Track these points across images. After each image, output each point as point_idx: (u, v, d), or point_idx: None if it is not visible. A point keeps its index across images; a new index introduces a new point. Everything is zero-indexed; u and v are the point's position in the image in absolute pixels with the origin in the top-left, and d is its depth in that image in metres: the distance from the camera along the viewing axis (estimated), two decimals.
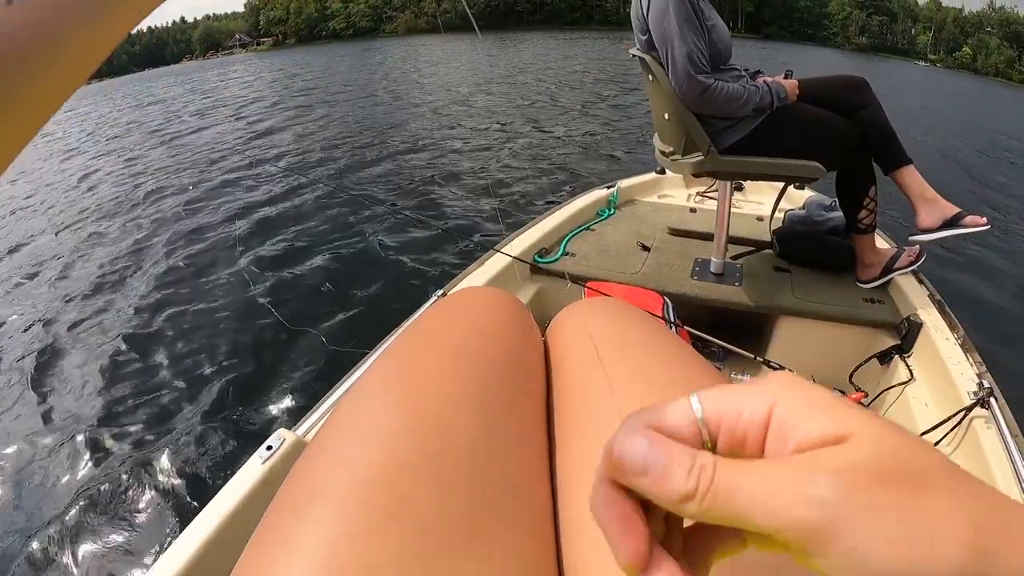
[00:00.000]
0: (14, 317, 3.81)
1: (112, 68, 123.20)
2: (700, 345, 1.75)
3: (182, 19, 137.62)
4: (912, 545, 0.18)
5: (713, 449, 0.24)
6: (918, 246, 1.91)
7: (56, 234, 5.61)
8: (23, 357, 3.25)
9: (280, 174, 6.44)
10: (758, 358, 1.65)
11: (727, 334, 1.70)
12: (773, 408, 0.23)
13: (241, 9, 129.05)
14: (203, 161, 8.04)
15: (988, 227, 1.76)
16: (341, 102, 13.11)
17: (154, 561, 0.86)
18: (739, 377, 1.88)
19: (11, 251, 5.29)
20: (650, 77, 1.95)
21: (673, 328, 1.68)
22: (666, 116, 1.97)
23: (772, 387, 0.24)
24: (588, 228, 2.41)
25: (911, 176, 1.83)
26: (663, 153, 2.08)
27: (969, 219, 1.78)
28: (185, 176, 7.25)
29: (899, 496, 0.19)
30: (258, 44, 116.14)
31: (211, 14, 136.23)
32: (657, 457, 0.23)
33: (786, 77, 1.94)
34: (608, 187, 2.71)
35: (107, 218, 5.91)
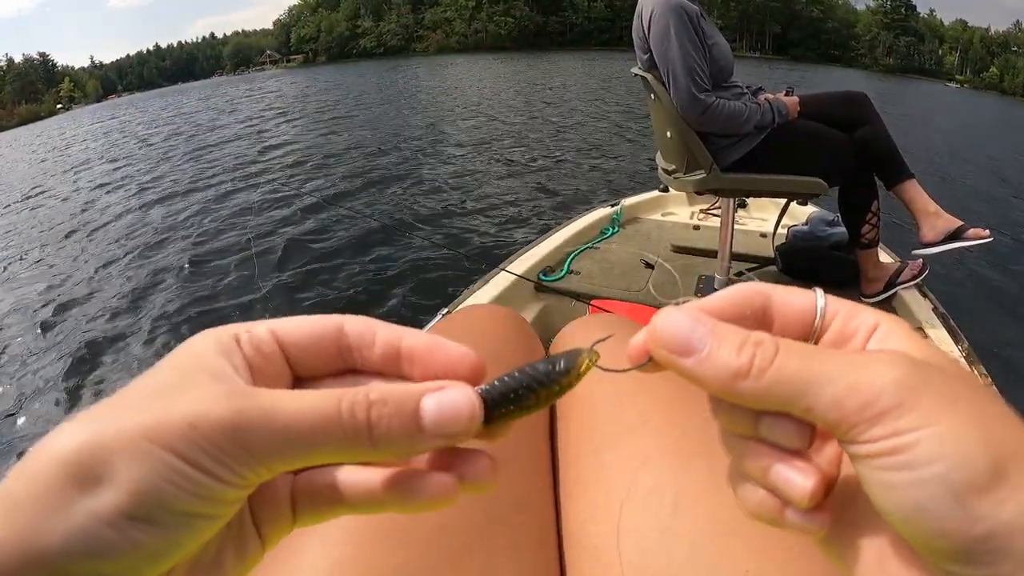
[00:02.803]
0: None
1: (142, 82, 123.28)
2: None
3: (211, 35, 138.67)
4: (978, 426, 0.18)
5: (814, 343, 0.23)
6: (921, 260, 1.93)
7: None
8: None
9: (281, 192, 6.42)
10: None
11: None
12: (879, 324, 0.23)
13: (270, 27, 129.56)
14: (214, 176, 8.05)
15: (991, 239, 1.78)
16: (354, 120, 13.25)
17: None
18: None
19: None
20: (652, 96, 1.96)
21: None
22: (668, 134, 1.98)
23: (884, 313, 0.23)
24: (592, 246, 2.41)
25: (913, 190, 1.85)
26: (666, 171, 2.10)
27: (972, 232, 1.80)
28: (196, 191, 7.29)
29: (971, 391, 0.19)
30: (288, 61, 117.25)
31: (240, 31, 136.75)
32: (703, 333, 0.21)
33: (787, 94, 1.96)
34: (612, 205, 2.73)
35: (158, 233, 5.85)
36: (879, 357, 0.20)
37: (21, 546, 0.16)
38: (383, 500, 0.23)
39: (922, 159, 8.54)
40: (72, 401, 2.95)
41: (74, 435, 0.18)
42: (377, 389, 0.21)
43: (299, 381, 0.25)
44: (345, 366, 0.25)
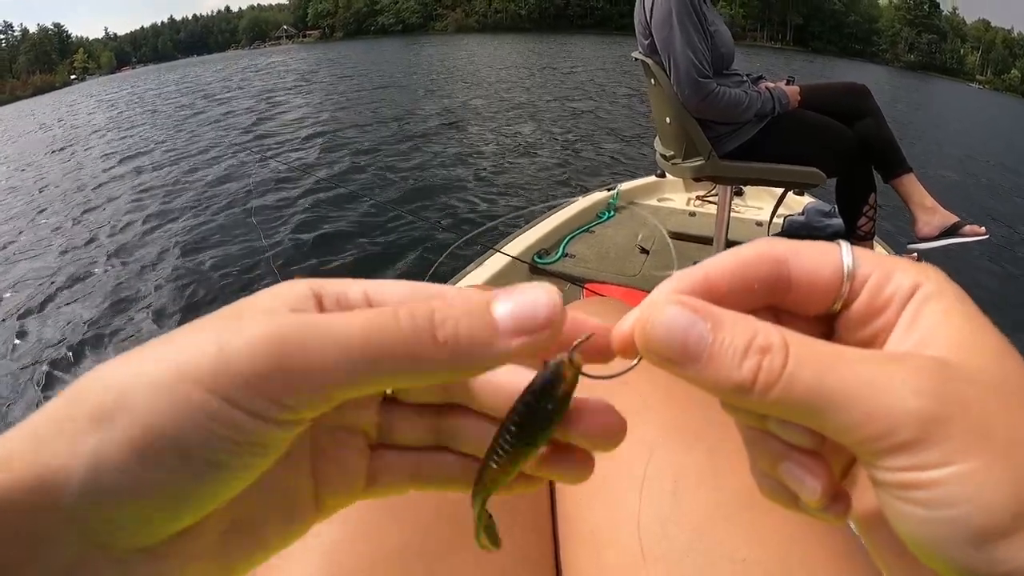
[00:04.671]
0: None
1: (157, 54, 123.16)
2: None
3: (227, 8, 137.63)
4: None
5: (839, 313, 0.21)
6: (916, 254, 1.92)
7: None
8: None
9: (276, 169, 6.42)
10: None
11: None
12: (917, 287, 0.19)
13: (286, 1, 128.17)
14: (211, 153, 8.06)
15: (987, 236, 1.77)
16: (355, 99, 13.14)
17: None
18: None
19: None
20: (652, 81, 1.95)
21: None
22: (668, 120, 1.97)
23: (926, 269, 0.20)
24: (588, 230, 2.41)
25: (911, 184, 1.84)
26: (664, 157, 2.09)
27: (968, 228, 1.79)
28: (197, 170, 7.29)
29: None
30: (304, 36, 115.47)
31: (256, 4, 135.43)
32: (701, 332, 0.18)
33: (788, 83, 1.94)
34: (608, 189, 2.72)
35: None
36: (905, 376, 0.17)
37: (36, 485, 0.15)
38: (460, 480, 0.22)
39: (952, 158, 8.41)
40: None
41: (96, 373, 0.16)
42: (440, 296, 0.19)
43: None
44: None
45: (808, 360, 0.17)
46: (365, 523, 0.40)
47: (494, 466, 0.20)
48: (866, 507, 0.21)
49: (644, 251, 2.25)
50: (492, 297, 0.18)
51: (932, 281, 0.19)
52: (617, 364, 0.21)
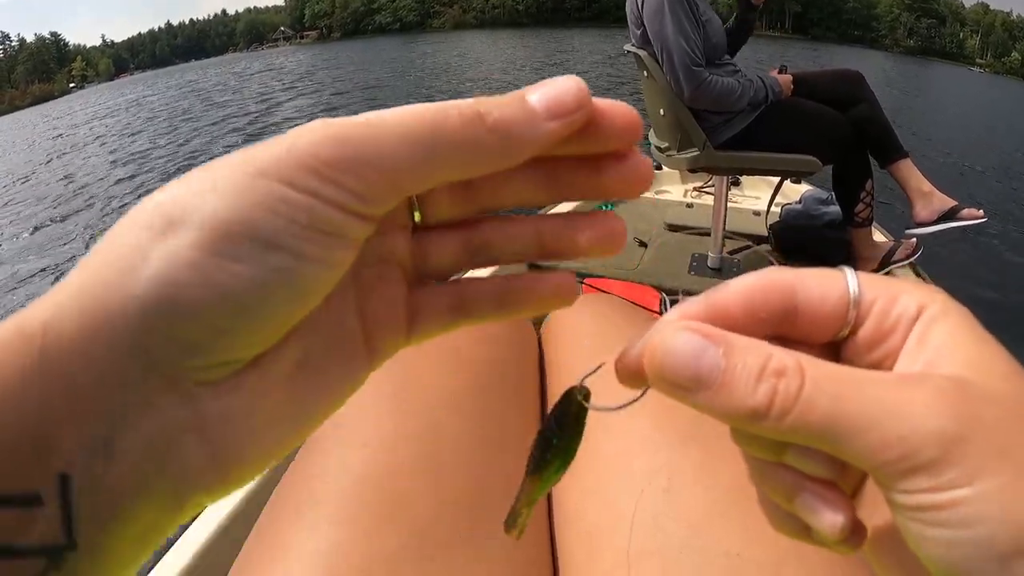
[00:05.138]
0: None
1: (155, 60, 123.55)
2: None
3: (223, 12, 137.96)
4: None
5: (845, 339, 0.21)
6: (915, 239, 1.92)
7: None
8: None
9: None
10: None
11: None
12: (923, 309, 0.19)
13: (282, 3, 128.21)
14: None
15: (985, 220, 1.76)
16: (351, 98, 13.18)
17: (152, 566, 0.86)
18: None
19: None
20: (644, 73, 1.94)
21: None
22: (661, 112, 1.97)
23: (931, 291, 0.20)
24: None
25: (908, 169, 1.83)
26: (659, 149, 2.08)
27: (966, 212, 1.78)
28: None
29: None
30: (302, 37, 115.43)
31: (252, 7, 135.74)
32: (713, 359, 0.18)
33: (780, 72, 1.93)
34: None
35: None
36: (923, 397, 0.17)
37: (95, 305, 0.14)
38: (506, 304, 0.22)
39: (952, 142, 8.35)
40: None
41: (158, 192, 0.16)
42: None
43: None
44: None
45: (825, 383, 0.17)
46: (360, 525, 0.41)
47: (523, 498, 0.23)
48: (874, 528, 0.20)
49: (642, 244, 2.24)
50: (526, 91, 0.18)
51: (937, 302, 0.19)
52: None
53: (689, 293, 1.94)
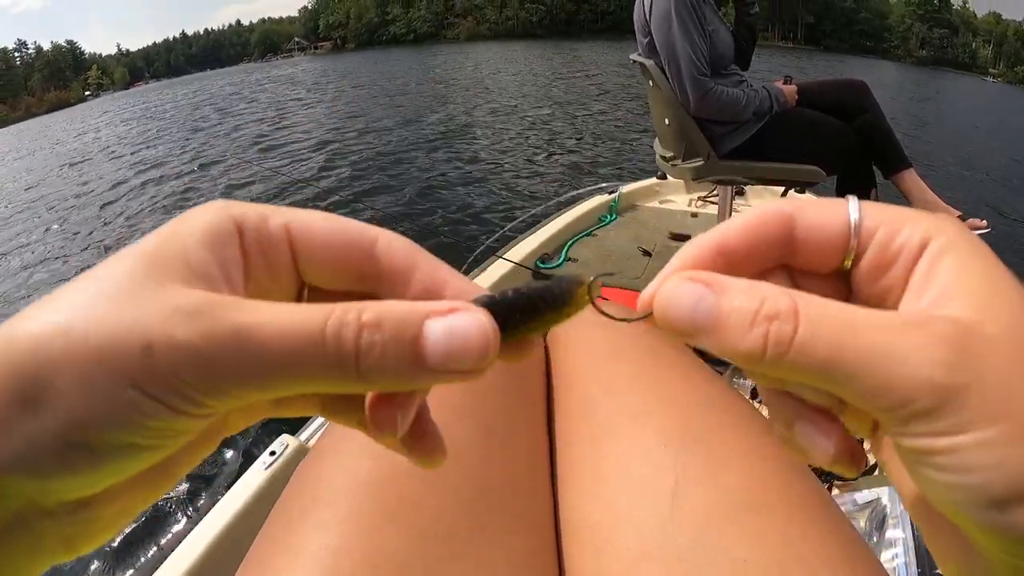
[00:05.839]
0: None
1: (170, 69, 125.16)
2: (701, 350, 1.75)
3: (238, 22, 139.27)
4: None
5: (851, 268, 0.21)
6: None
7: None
8: None
9: (277, 177, 6.50)
10: None
11: None
12: (928, 241, 0.19)
13: (296, 14, 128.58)
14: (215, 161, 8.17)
15: (989, 230, 1.75)
16: (361, 109, 13.27)
17: (157, 566, 0.87)
18: (740, 382, 1.88)
19: None
20: (650, 83, 1.96)
21: None
22: (666, 121, 1.98)
23: (939, 221, 0.19)
24: (590, 234, 2.42)
25: (911, 179, 1.83)
26: (664, 158, 2.09)
27: (969, 222, 1.78)
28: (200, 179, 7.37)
29: None
30: (316, 48, 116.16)
31: (267, 17, 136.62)
32: (709, 306, 0.18)
33: (786, 82, 1.94)
34: (609, 192, 2.72)
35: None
36: (920, 343, 0.16)
37: None
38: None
39: (963, 152, 8.30)
40: None
41: (19, 341, 0.16)
42: (372, 308, 0.18)
43: (305, 290, 0.22)
44: (366, 291, 0.22)
45: (820, 326, 0.17)
46: (366, 528, 0.41)
47: None
48: (894, 465, 0.21)
49: (646, 253, 2.25)
50: (429, 313, 0.18)
51: (945, 234, 0.19)
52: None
53: None
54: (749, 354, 0.18)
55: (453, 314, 0.18)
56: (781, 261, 0.21)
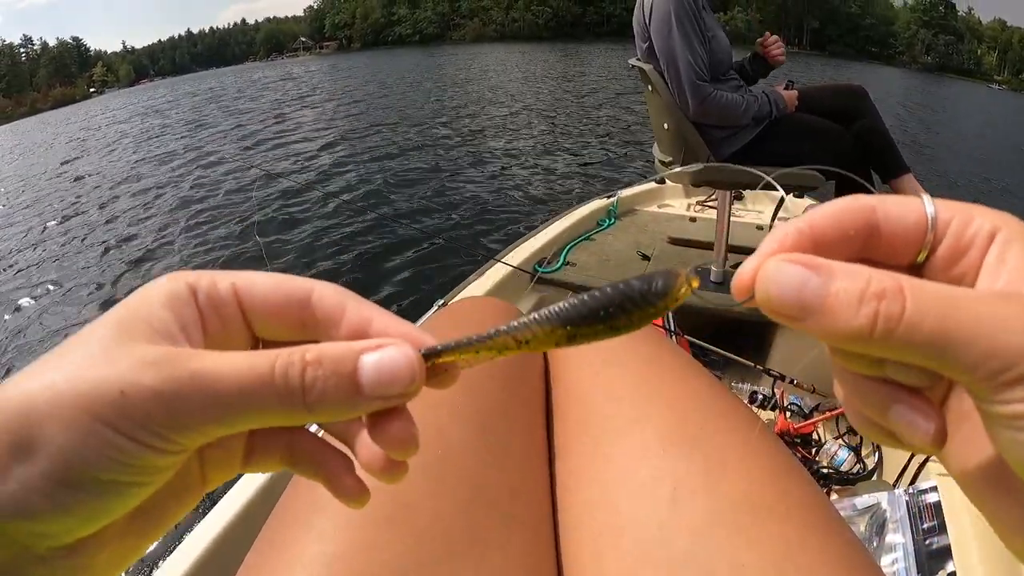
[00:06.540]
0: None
1: (175, 67, 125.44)
2: (700, 354, 1.74)
3: (243, 21, 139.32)
4: None
5: (927, 258, 0.22)
6: None
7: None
8: None
9: (279, 183, 6.52)
10: (758, 367, 1.65)
11: (727, 343, 1.70)
12: (997, 231, 0.20)
13: (302, 13, 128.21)
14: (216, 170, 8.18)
15: None
16: (363, 111, 13.26)
17: (152, 570, 0.88)
18: (739, 386, 1.88)
19: None
20: (649, 87, 1.96)
21: (672, 337, 1.68)
22: (665, 126, 1.98)
23: (1003, 215, 0.21)
24: (588, 238, 2.41)
25: (910, 184, 1.83)
26: (662, 163, 2.09)
27: None
28: (199, 185, 7.40)
29: None
30: (321, 48, 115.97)
31: (272, 16, 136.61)
32: (816, 287, 0.19)
33: (786, 88, 1.94)
34: (608, 197, 2.71)
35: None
36: (1017, 312, 0.17)
37: None
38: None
39: (967, 159, 8.25)
40: None
41: (12, 400, 0.18)
42: (314, 349, 0.21)
43: (259, 342, 0.24)
44: (308, 338, 0.24)
45: (926, 301, 0.18)
46: (364, 533, 0.41)
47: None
48: (959, 436, 0.21)
49: (645, 258, 2.25)
50: (363, 350, 0.21)
51: (1011, 225, 0.20)
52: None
53: (691, 307, 1.95)
54: (858, 332, 0.18)
55: (382, 349, 0.21)
56: (860, 254, 0.22)
